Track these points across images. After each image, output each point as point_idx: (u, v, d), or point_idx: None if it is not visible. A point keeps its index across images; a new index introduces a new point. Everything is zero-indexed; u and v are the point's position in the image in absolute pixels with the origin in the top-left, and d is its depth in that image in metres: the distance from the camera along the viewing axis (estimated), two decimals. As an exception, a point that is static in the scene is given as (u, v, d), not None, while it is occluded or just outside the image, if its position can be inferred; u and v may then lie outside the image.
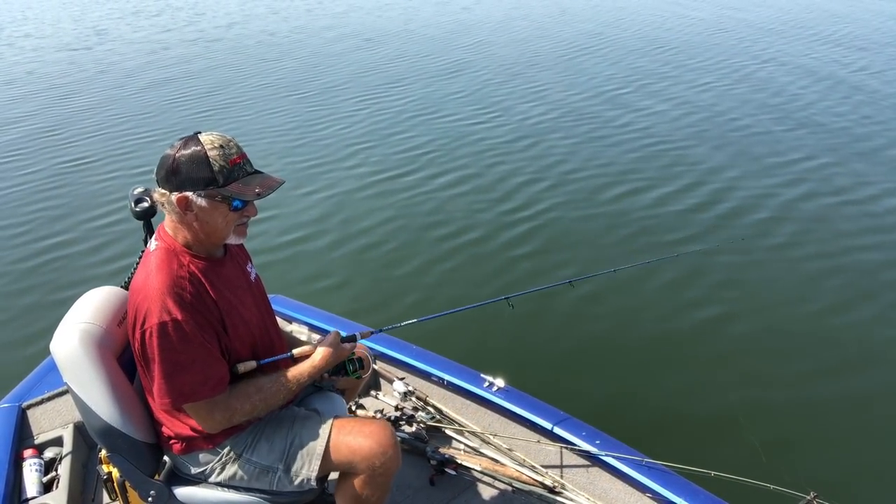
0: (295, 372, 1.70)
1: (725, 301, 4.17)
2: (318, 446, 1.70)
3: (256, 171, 1.62)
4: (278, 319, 1.98)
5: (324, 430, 1.72)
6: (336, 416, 1.78)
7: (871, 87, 8.76)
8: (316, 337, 2.38)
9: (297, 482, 1.71)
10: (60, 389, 2.50)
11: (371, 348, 2.40)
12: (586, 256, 4.76)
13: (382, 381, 2.80)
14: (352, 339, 1.81)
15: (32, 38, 14.35)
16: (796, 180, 5.92)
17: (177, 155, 1.53)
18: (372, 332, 1.91)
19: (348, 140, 7.26)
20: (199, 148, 1.52)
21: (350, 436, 1.70)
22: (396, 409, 2.63)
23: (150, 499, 1.73)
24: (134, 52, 12.51)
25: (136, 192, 1.87)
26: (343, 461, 1.70)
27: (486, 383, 2.50)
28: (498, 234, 5.08)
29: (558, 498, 2.23)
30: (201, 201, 1.54)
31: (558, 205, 5.54)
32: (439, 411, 2.59)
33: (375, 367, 2.74)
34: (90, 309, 1.72)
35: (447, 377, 2.57)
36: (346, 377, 1.88)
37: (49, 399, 2.51)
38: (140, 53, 12.34)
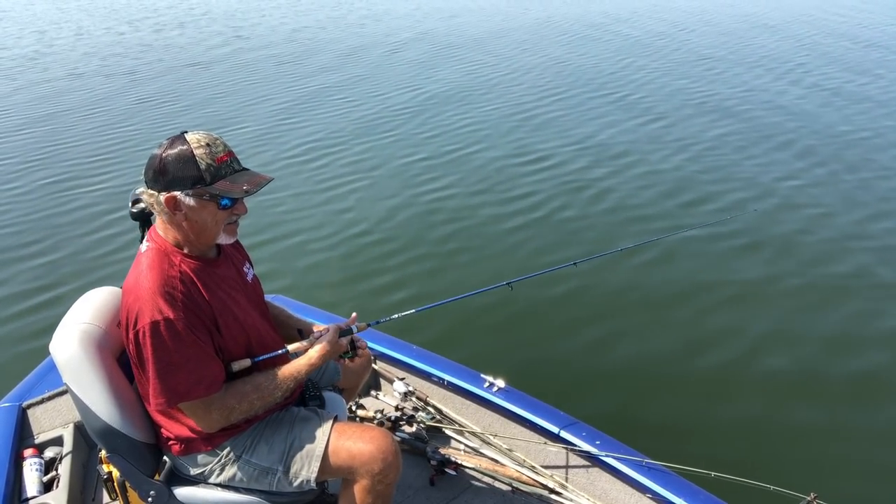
0: (292, 368, 1.70)
1: (725, 303, 4.16)
2: (317, 448, 1.70)
3: (244, 169, 1.61)
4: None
5: (323, 432, 1.72)
6: (336, 418, 1.78)
7: None
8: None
9: (296, 483, 1.71)
10: (61, 389, 2.49)
11: (371, 348, 2.39)
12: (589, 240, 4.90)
13: (382, 381, 2.80)
14: (348, 332, 1.81)
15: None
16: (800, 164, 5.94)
17: (163, 155, 1.52)
18: (368, 325, 1.90)
19: (346, 140, 7.29)
20: (185, 147, 1.51)
21: (350, 440, 1.70)
22: (397, 409, 2.62)
23: (149, 499, 1.73)
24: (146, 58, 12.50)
25: (136, 192, 1.86)
26: (343, 466, 1.69)
27: (487, 383, 2.49)
28: (499, 230, 5.09)
29: (558, 498, 2.24)
30: (189, 200, 1.53)
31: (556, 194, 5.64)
32: (439, 411, 2.59)
33: (376, 367, 2.74)
34: (89, 309, 1.72)
35: (447, 377, 2.56)
36: (341, 359, 1.86)
37: (49, 398, 2.51)
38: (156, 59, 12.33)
